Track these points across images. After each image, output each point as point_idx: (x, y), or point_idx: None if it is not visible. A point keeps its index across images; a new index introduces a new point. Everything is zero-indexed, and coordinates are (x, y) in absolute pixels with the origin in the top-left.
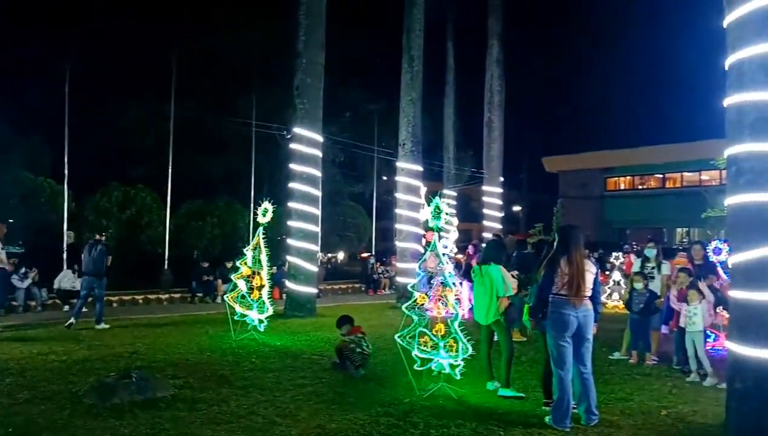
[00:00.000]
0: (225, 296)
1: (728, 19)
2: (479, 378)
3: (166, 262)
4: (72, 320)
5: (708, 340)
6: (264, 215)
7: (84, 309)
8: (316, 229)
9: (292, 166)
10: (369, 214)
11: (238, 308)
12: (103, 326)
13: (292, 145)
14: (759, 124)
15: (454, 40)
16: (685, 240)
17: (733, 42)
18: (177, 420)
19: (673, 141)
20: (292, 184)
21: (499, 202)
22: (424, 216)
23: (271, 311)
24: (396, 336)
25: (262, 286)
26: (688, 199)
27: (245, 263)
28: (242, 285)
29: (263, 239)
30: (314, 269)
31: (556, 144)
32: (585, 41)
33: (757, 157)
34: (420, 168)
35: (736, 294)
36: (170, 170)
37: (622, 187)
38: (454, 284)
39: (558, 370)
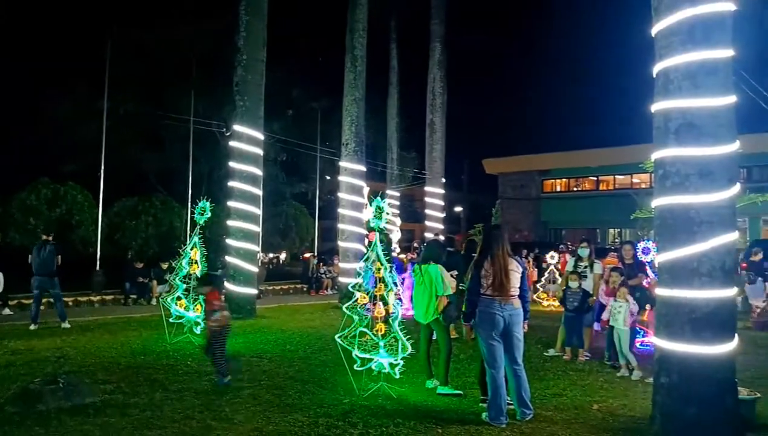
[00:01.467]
0: (160, 298)
1: (656, 29)
2: (419, 377)
3: (98, 262)
4: (33, 325)
5: (638, 336)
6: (201, 214)
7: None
8: (257, 228)
9: (232, 164)
10: (312, 214)
11: (175, 308)
12: (66, 324)
13: (232, 143)
14: (684, 130)
15: (397, 41)
16: (617, 240)
17: (660, 50)
18: (107, 427)
19: (607, 145)
20: (231, 183)
21: (441, 202)
22: (366, 216)
23: None
24: (336, 336)
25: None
26: (620, 201)
27: (193, 262)
28: (178, 286)
29: (200, 238)
30: (254, 269)
31: (496, 146)
32: (525, 48)
33: (682, 162)
34: (363, 168)
35: (662, 292)
36: (103, 167)
37: (558, 189)
38: (395, 283)
39: (489, 368)
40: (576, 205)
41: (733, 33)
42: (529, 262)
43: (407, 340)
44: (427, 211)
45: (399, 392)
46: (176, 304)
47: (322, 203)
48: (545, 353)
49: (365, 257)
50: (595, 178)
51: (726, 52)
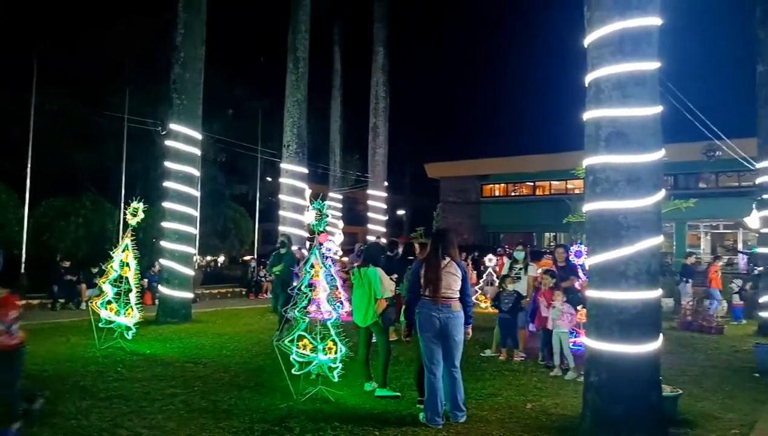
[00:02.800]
0: (92, 302)
1: (588, 39)
2: (358, 380)
3: (23, 265)
4: None
5: (571, 337)
6: (134, 215)
7: None
8: (194, 230)
9: (168, 164)
10: (252, 216)
11: (104, 314)
12: None
13: (168, 142)
14: (613, 138)
15: (341, 44)
16: (552, 244)
17: (592, 61)
18: None
19: (543, 151)
20: (167, 183)
21: (384, 206)
22: (308, 219)
23: (138, 317)
24: (274, 340)
25: (129, 290)
26: (555, 205)
27: (125, 265)
28: (109, 290)
29: (132, 240)
30: (190, 272)
31: (438, 150)
32: (466, 54)
33: (612, 169)
34: (305, 170)
35: (592, 294)
36: (29, 165)
37: (497, 193)
38: (335, 286)
39: (427, 369)
40: (514, 210)
41: (659, 46)
42: (468, 265)
43: (346, 343)
44: (370, 215)
45: (337, 395)
46: (106, 308)
47: (263, 205)
48: (482, 354)
49: (308, 260)
50: (532, 184)
51: (653, 64)
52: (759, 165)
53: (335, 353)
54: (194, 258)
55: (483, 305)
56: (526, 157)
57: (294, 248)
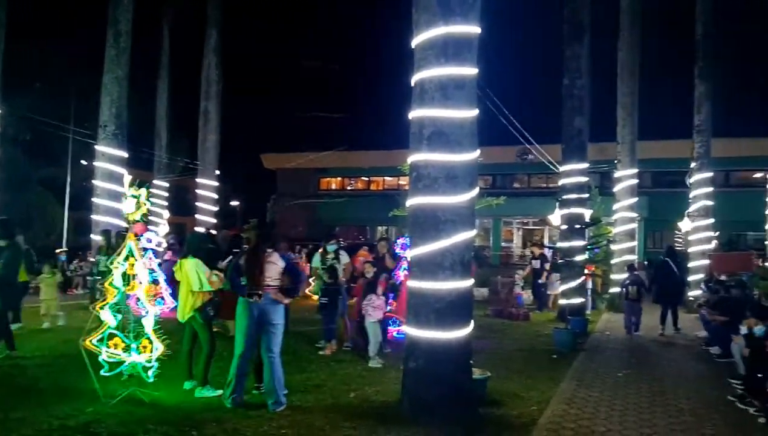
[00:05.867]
0: None
1: (415, 41)
2: (177, 378)
3: None
4: None
5: (393, 326)
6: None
7: None
8: None
9: None
10: (61, 203)
11: None
12: None
13: None
14: (435, 137)
15: (171, 22)
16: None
17: (418, 62)
18: None
19: (377, 148)
20: None
21: (215, 195)
22: (127, 207)
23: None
24: (80, 340)
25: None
26: (388, 200)
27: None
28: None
29: None
30: None
31: (275, 141)
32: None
33: (433, 166)
34: (124, 154)
35: (412, 284)
36: None
37: (334, 187)
38: (155, 280)
39: (237, 355)
40: (349, 204)
41: (484, 57)
42: (302, 258)
43: (164, 341)
44: (199, 204)
45: (153, 396)
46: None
47: (75, 191)
48: (317, 346)
49: (119, 252)
50: (367, 179)
51: (472, 70)
52: (562, 168)
53: (150, 351)
54: None
55: (315, 297)
56: (362, 153)
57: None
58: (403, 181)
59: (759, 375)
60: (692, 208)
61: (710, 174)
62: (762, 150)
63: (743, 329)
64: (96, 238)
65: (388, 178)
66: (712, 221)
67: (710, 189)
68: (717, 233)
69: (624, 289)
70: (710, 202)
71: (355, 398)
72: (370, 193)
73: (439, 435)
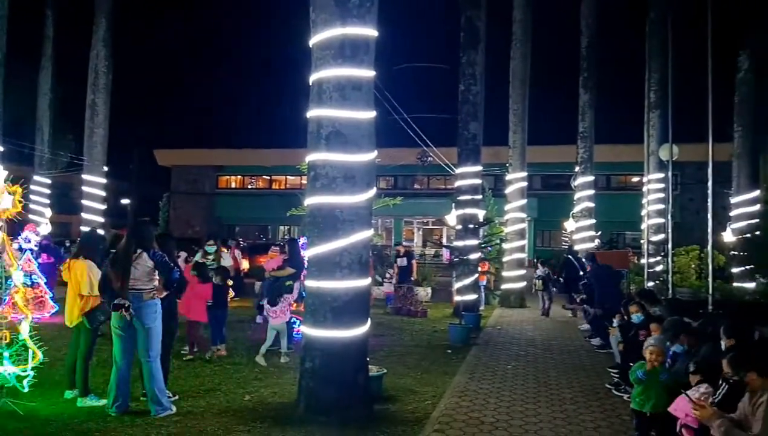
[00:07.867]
0: None
1: (313, 40)
2: (59, 387)
3: None
4: None
5: (294, 326)
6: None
7: None
8: None
9: None
10: None
11: None
12: None
13: None
14: (333, 137)
15: (55, 9)
16: (286, 236)
17: (316, 61)
18: None
19: (280, 146)
20: None
21: (102, 193)
22: (3, 205)
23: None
24: None
25: None
26: (290, 199)
27: None
28: None
29: None
30: None
31: (170, 137)
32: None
33: (331, 165)
34: None
35: (310, 284)
36: None
37: (233, 185)
38: (35, 283)
39: (114, 361)
40: (250, 203)
41: (386, 63)
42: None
43: (41, 348)
44: (85, 202)
45: (28, 407)
46: None
47: None
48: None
49: None
50: (269, 178)
51: (369, 72)
52: (458, 170)
53: (27, 360)
54: None
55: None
56: (263, 151)
57: None
58: (306, 180)
59: (631, 363)
60: (576, 209)
61: (592, 178)
62: (639, 156)
63: (616, 321)
64: None
65: (290, 177)
66: (594, 221)
67: (592, 192)
68: (599, 233)
69: (533, 283)
70: (592, 204)
71: (250, 401)
72: (271, 193)
73: (334, 434)
